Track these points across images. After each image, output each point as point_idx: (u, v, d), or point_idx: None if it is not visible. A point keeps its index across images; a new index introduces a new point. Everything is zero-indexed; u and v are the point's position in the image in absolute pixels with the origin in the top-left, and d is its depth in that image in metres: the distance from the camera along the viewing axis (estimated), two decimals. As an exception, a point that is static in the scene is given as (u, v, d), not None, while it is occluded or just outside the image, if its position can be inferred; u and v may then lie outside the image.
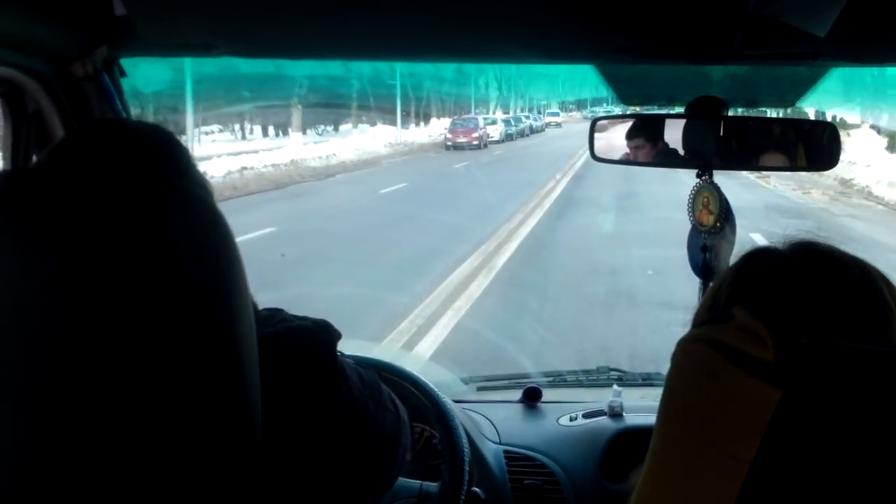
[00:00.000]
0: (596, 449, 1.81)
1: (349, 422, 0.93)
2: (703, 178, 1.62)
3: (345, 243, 11.00)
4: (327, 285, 8.14)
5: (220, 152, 22.15)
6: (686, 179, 1.67)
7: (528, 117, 44.61)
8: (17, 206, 0.70)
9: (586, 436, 1.85)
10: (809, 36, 1.06)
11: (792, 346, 0.68)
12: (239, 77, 24.96)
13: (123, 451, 0.70)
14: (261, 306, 0.94)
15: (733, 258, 0.97)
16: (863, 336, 0.83)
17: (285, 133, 33.59)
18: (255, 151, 23.24)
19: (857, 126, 27.19)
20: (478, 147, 29.79)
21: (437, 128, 37.76)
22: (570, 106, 63.21)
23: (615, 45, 1.35)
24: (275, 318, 0.92)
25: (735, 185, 15.62)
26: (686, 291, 1.72)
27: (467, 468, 1.57)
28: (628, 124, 1.66)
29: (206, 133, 31.28)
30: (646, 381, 2.29)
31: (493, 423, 1.91)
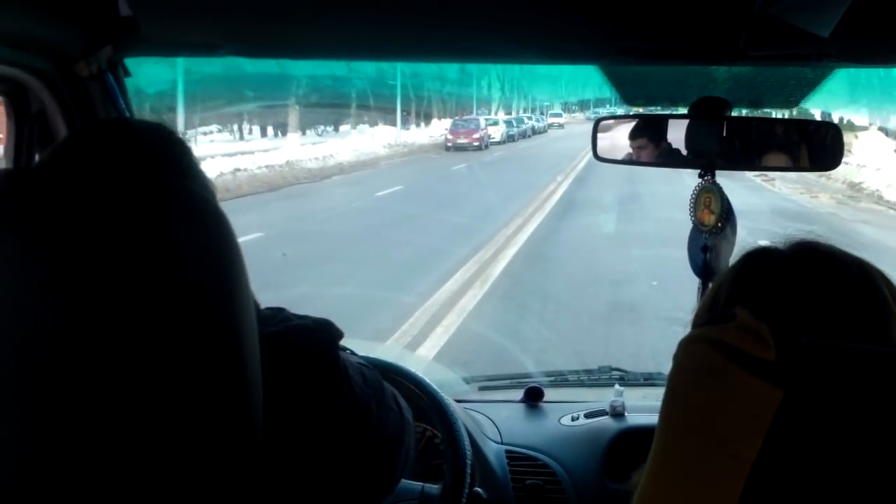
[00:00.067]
0: (598, 449, 1.81)
1: (351, 421, 0.93)
2: (706, 178, 1.62)
3: (335, 249, 10.51)
4: (309, 300, 7.30)
5: (215, 153, 21.77)
6: (690, 182, 1.67)
7: (530, 118, 44.20)
8: (20, 206, 0.70)
9: (588, 435, 1.85)
10: (814, 37, 1.06)
11: (794, 345, 0.68)
12: (238, 77, 24.69)
13: (125, 451, 0.70)
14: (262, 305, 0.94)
15: (733, 258, 0.97)
16: (862, 335, 0.83)
17: (284, 133, 33.15)
18: (251, 152, 22.78)
19: (864, 128, 26.93)
20: (479, 148, 29.42)
21: (439, 128, 37.08)
22: (573, 107, 63.12)
23: (619, 45, 1.35)
24: (276, 318, 0.92)
25: (740, 187, 15.09)
26: (693, 305, 1.72)
27: (469, 468, 1.57)
28: (631, 124, 1.66)
29: (205, 133, 30.79)
30: (647, 380, 2.29)
31: (495, 423, 1.91)
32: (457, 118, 35.82)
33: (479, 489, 1.63)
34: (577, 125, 45.62)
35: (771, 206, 14.39)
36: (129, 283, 0.69)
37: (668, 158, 1.63)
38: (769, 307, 0.80)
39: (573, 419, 1.93)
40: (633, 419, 1.87)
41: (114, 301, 0.69)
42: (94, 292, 0.68)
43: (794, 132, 1.60)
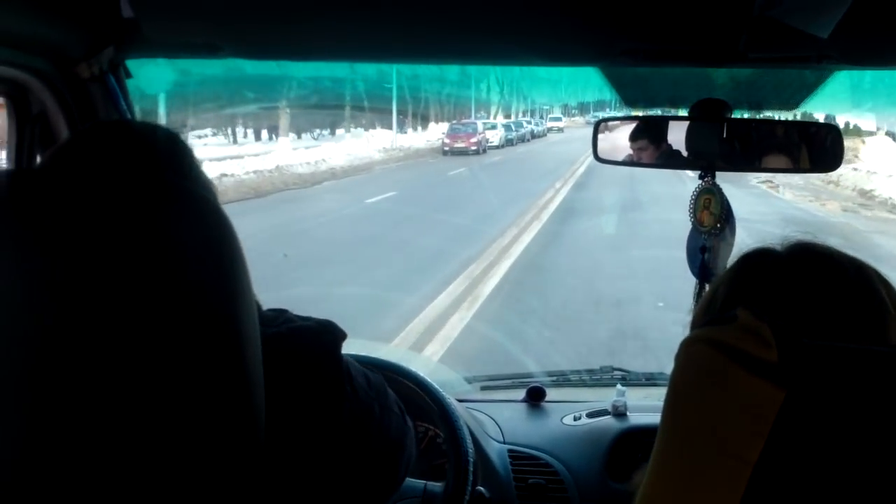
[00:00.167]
0: (600, 448, 1.81)
1: (354, 422, 0.93)
2: (706, 179, 1.63)
3: (315, 263, 9.71)
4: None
5: (204, 157, 20.76)
6: (693, 186, 1.67)
7: (529, 122, 43.62)
8: (21, 207, 0.71)
9: (590, 435, 1.86)
10: (814, 39, 1.06)
11: (795, 346, 0.68)
12: (231, 79, 24.06)
13: (127, 451, 0.70)
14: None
15: (731, 260, 0.98)
16: (860, 336, 0.83)
17: (279, 137, 32.29)
18: (241, 157, 21.83)
19: (872, 133, 26.64)
20: (476, 152, 28.80)
21: (436, 132, 35.93)
22: (573, 110, 62.96)
23: (620, 47, 1.35)
24: (279, 319, 0.93)
25: (745, 194, 14.92)
26: (690, 305, 1.60)
27: (471, 467, 1.58)
28: (632, 126, 1.66)
29: (199, 136, 29.89)
30: (649, 380, 2.29)
31: (497, 423, 1.91)
32: (454, 122, 35.26)
33: (481, 488, 1.63)
34: (577, 129, 44.97)
35: (780, 214, 13.78)
36: (131, 284, 0.69)
37: (669, 160, 1.63)
38: (767, 308, 0.80)
39: (575, 419, 1.93)
40: (635, 419, 1.87)
41: (116, 302, 0.69)
42: (95, 293, 0.68)
43: (795, 134, 1.60)
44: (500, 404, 2.05)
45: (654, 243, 9.66)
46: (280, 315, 0.94)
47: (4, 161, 1.54)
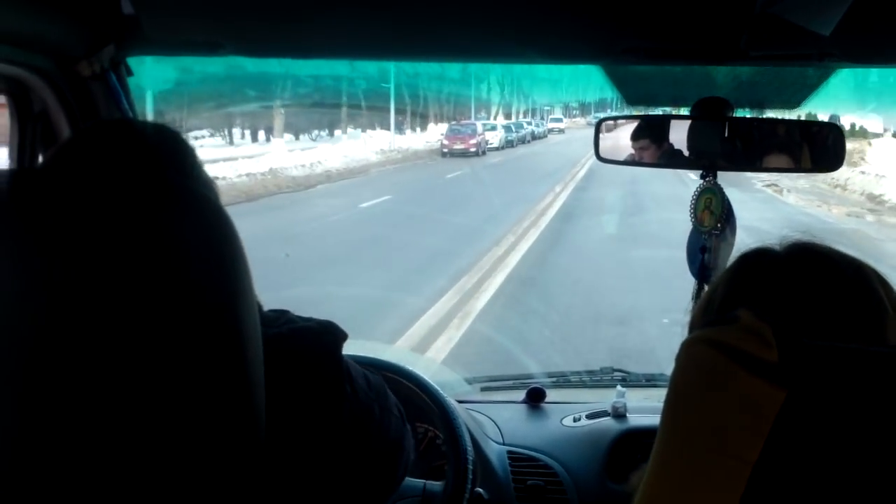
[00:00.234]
0: (599, 450, 1.81)
1: (354, 423, 0.93)
2: (707, 179, 1.63)
3: (297, 275, 8.63)
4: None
5: None
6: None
7: (529, 123, 43.34)
8: (24, 206, 0.71)
9: (590, 436, 1.85)
10: (815, 37, 1.06)
11: (796, 347, 0.68)
12: (227, 78, 23.93)
13: (128, 450, 0.70)
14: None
15: (731, 260, 0.97)
16: (857, 335, 0.83)
17: (282, 137, 32.07)
18: (234, 158, 21.14)
19: (879, 135, 26.30)
20: (475, 154, 28.37)
21: (435, 133, 35.60)
22: (574, 111, 62.99)
23: (621, 45, 1.35)
24: (280, 320, 0.93)
25: (750, 199, 14.71)
26: (688, 305, 1.53)
27: (471, 468, 1.57)
28: (633, 125, 1.66)
29: (196, 137, 28.84)
30: (649, 381, 2.29)
31: (497, 424, 1.91)
32: (453, 123, 34.88)
33: (480, 489, 1.63)
34: (578, 130, 44.64)
35: (788, 220, 12.72)
36: (133, 283, 0.69)
37: (670, 159, 1.63)
38: (765, 307, 0.80)
39: (575, 420, 1.93)
40: (635, 420, 1.87)
41: (117, 301, 0.69)
42: (97, 293, 0.68)
43: (797, 133, 1.60)
44: (499, 405, 2.04)
45: (657, 250, 8.81)
46: (281, 316, 0.94)
47: (6, 159, 1.54)
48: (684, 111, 1.63)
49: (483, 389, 2.32)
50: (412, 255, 10.21)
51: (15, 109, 1.48)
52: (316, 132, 37.06)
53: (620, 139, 1.67)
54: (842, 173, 19.06)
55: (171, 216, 0.73)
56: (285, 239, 11.12)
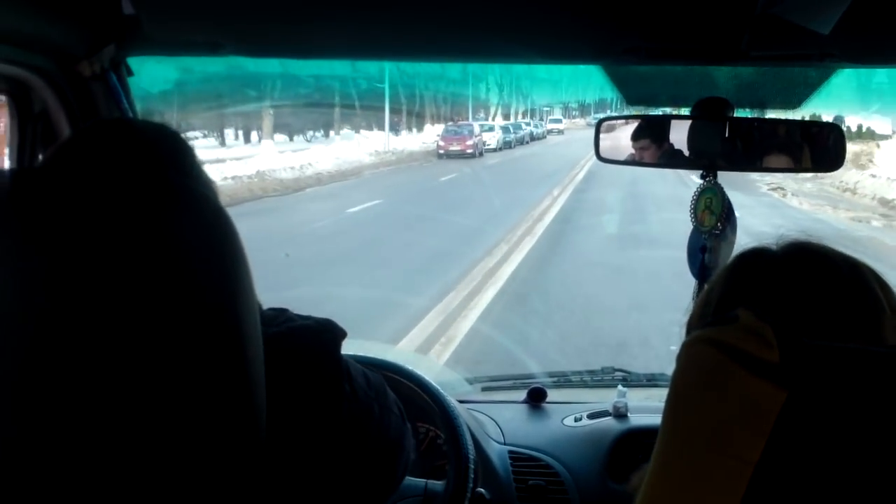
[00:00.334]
0: (601, 449, 1.81)
1: (352, 422, 0.93)
2: (708, 179, 1.63)
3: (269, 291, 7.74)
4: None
5: None
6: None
7: (528, 124, 43.02)
8: (23, 206, 0.70)
9: (591, 436, 1.85)
10: (816, 37, 1.06)
11: (797, 347, 0.68)
12: (219, 77, 23.47)
13: (129, 450, 0.70)
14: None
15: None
16: (854, 334, 0.83)
17: (270, 139, 30.89)
18: (222, 160, 20.39)
19: (887, 137, 25.87)
20: (472, 156, 27.91)
21: (432, 134, 34.65)
22: (574, 111, 62.85)
23: (622, 45, 1.35)
24: (279, 318, 0.93)
25: (756, 203, 14.39)
26: (689, 305, 1.48)
27: (472, 468, 1.57)
28: (634, 125, 1.66)
29: (189, 139, 28.70)
30: (651, 381, 2.29)
31: (498, 424, 1.91)
32: (450, 124, 34.33)
33: (481, 489, 1.63)
34: (577, 131, 44.07)
35: (798, 226, 12.11)
36: (133, 283, 0.69)
37: (671, 159, 1.63)
38: (761, 307, 0.80)
39: (576, 420, 1.93)
40: (636, 420, 1.87)
41: (118, 300, 0.69)
42: (97, 292, 0.68)
43: (797, 133, 1.60)
44: (500, 405, 2.04)
45: (660, 265, 8.09)
46: (280, 314, 0.94)
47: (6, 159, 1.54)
48: (685, 111, 1.63)
49: (484, 389, 2.32)
50: (396, 267, 9.55)
51: (15, 109, 1.48)
52: (311, 133, 36.51)
53: (621, 139, 1.67)
54: (851, 176, 18.74)
55: (170, 215, 0.73)
56: (258, 250, 9.60)
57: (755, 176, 16.79)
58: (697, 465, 0.70)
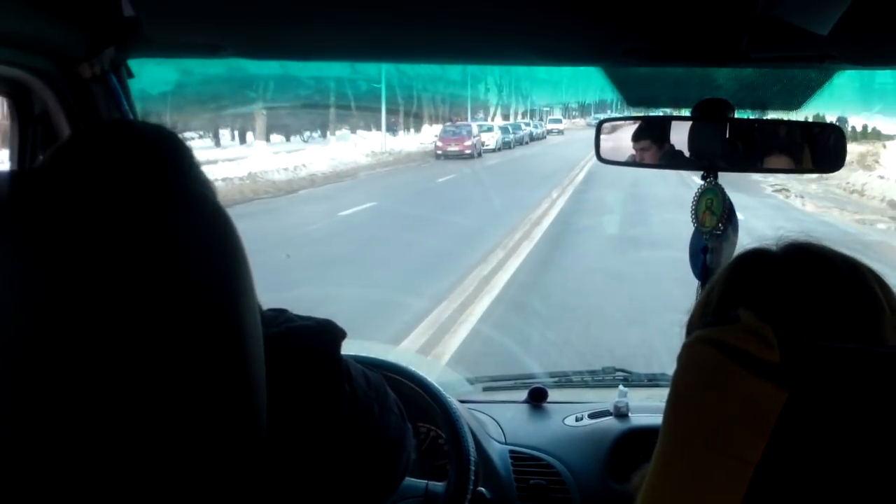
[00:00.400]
0: (601, 449, 1.81)
1: (352, 422, 0.93)
2: (708, 180, 1.63)
3: None
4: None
5: None
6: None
7: (527, 124, 42.62)
8: (22, 207, 0.71)
9: (592, 436, 1.85)
10: (816, 39, 1.06)
11: (798, 347, 0.68)
12: (214, 78, 23.19)
13: (129, 450, 0.70)
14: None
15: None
16: (853, 334, 0.83)
17: (267, 140, 30.62)
18: (215, 161, 19.61)
19: (893, 137, 25.37)
20: (471, 156, 27.50)
21: (430, 135, 34.34)
22: (574, 112, 62.74)
23: (622, 47, 1.35)
24: (279, 319, 0.93)
25: (762, 205, 14.13)
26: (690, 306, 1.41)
27: (473, 468, 1.58)
28: (634, 126, 1.66)
29: (186, 140, 28.12)
30: (651, 381, 2.29)
31: (499, 424, 1.91)
32: (448, 124, 33.83)
33: (482, 489, 1.63)
34: (578, 131, 43.70)
35: (805, 229, 11.96)
36: (133, 284, 0.69)
37: (672, 160, 1.63)
38: (761, 307, 0.81)
39: (577, 420, 1.93)
40: (637, 420, 1.87)
41: (118, 301, 0.69)
42: (97, 293, 0.68)
43: (797, 134, 1.60)
44: (501, 405, 2.04)
45: (664, 271, 7.69)
46: (280, 315, 0.94)
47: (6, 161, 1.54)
48: (685, 112, 1.63)
49: (485, 389, 2.32)
50: (388, 272, 9.16)
51: (16, 111, 1.48)
52: (308, 133, 36.03)
53: (621, 140, 1.67)
54: (858, 177, 18.47)
55: (169, 216, 0.73)
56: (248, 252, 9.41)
57: (758, 177, 16.60)
58: (698, 465, 0.70)
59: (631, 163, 1.68)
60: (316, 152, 25.63)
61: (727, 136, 1.56)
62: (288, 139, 33.51)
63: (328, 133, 35.26)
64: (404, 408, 1.06)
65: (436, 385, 1.69)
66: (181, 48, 1.53)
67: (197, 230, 0.74)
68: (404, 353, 5.41)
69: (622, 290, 8.26)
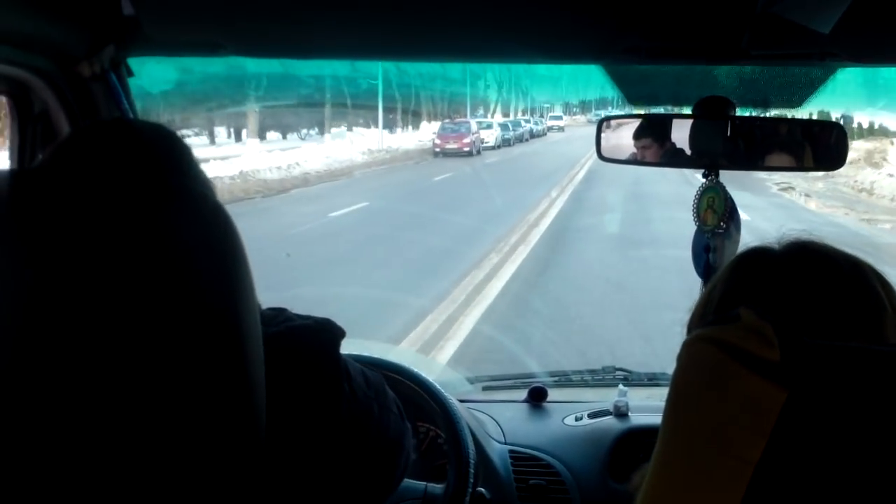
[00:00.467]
0: (601, 449, 1.81)
1: (352, 421, 0.93)
2: (710, 178, 1.62)
3: None
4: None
5: None
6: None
7: (527, 121, 42.31)
8: (22, 206, 0.70)
9: (592, 436, 1.85)
10: (817, 36, 1.06)
11: (798, 346, 0.68)
12: (211, 76, 22.65)
13: (129, 450, 0.70)
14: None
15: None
16: (856, 333, 0.83)
17: (262, 138, 30.13)
18: (206, 160, 18.27)
19: None
20: (469, 154, 27.03)
21: (428, 132, 33.50)
22: (574, 108, 62.68)
23: (623, 45, 1.35)
24: (278, 318, 0.92)
25: (769, 205, 13.96)
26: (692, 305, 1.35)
27: (472, 468, 1.57)
28: (635, 124, 1.66)
29: (183, 138, 27.81)
30: (651, 380, 2.29)
31: (499, 423, 1.91)
32: (446, 121, 33.17)
33: (482, 489, 1.63)
34: (578, 128, 43.35)
35: (815, 231, 11.44)
36: (132, 282, 0.69)
37: (673, 158, 1.62)
38: (762, 306, 0.80)
39: (577, 419, 1.93)
40: (637, 419, 1.87)
41: (117, 300, 0.69)
42: (96, 292, 0.68)
43: (799, 132, 1.60)
44: (501, 405, 2.04)
45: (666, 269, 7.62)
46: (279, 314, 0.94)
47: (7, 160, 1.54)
48: (686, 110, 1.63)
49: (485, 389, 2.32)
50: (376, 278, 8.79)
51: (15, 110, 1.48)
52: (304, 131, 35.54)
53: (622, 138, 1.66)
54: (866, 175, 18.24)
55: (169, 215, 0.73)
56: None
57: (763, 175, 16.53)
58: (698, 465, 0.70)
59: (632, 161, 1.67)
60: (311, 150, 25.14)
61: (728, 134, 1.56)
62: (284, 137, 33.23)
63: (325, 131, 34.84)
64: (404, 407, 1.05)
65: (435, 385, 1.69)
66: (181, 47, 1.53)
67: (196, 229, 0.74)
68: (404, 353, 5.41)
69: (622, 289, 8.20)
